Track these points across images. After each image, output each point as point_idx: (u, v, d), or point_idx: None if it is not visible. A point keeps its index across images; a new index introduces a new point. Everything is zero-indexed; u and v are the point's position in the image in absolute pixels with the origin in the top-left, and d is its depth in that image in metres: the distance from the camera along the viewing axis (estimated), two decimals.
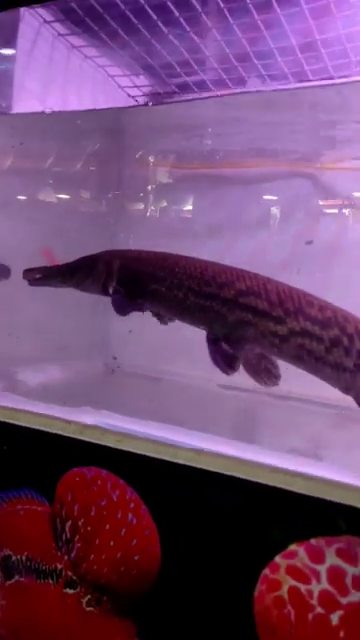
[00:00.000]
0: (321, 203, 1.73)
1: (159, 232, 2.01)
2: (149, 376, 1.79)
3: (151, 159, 2.08)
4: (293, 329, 1.16)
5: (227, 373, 1.32)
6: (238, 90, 1.47)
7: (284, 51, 1.26)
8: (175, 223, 2.06)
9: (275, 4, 1.14)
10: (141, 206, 2.12)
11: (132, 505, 1.01)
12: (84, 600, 1.05)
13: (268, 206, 1.86)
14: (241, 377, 1.38)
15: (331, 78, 1.39)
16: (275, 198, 1.86)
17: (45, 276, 1.43)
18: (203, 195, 1.95)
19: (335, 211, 1.76)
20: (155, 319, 1.62)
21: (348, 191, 1.67)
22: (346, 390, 1.16)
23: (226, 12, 1.18)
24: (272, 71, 1.38)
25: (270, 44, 1.28)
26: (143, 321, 1.76)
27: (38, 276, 1.44)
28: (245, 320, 1.24)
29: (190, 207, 2.04)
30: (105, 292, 1.43)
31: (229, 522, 0.95)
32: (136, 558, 1.00)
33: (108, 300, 1.93)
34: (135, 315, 1.69)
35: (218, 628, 0.94)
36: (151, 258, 1.38)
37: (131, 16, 1.33)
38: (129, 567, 1.00)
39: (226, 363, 1.31)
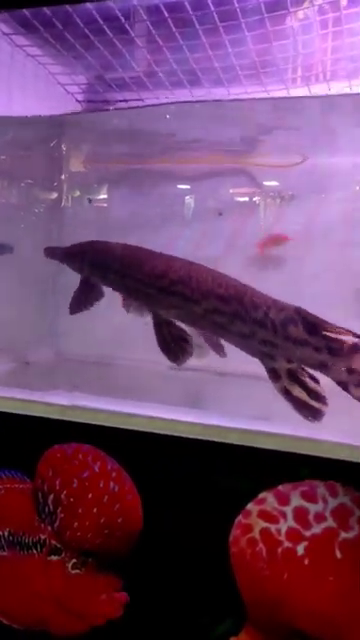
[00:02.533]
0: (254, 198, 1.89)
1: (76, 224, 2.08)
2: (100, 362, 1.87)
3: (64, 147, 2.13)
4: (207, 308, 1.33)
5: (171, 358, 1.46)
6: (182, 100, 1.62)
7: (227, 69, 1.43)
8: (91, 215, 2.13)
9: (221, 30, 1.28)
10: (54, 196, 2.17)
11: (114, 474, 1.11)
12: (69, 564, 1.14)
13: (200, 200, 1.99)
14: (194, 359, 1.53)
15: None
16: (206, 193, 1.99)
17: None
18: (127, 188, 2.05)
19: (265, 203, 1.92)
20: (103, 308, 1.75)
21: (276, 185, 1.84)
22: (253, 355, 1.31)
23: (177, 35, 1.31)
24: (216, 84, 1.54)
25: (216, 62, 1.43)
26: (92, 312, 1.86)
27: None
28: (176, 304, 1.41)
29: (116, 200, 2.11)
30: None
31: (204, 480, 1.07)
32: (119, 520, 1.10)
33: (57, 290, 2.00)
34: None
35: (198, 573, 1.07)
36: (113, 250, 1.51)
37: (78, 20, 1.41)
38: (113, 529, 1.11)
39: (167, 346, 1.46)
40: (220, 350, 1.52)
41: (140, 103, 1.81)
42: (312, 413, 1.16)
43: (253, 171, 1.85)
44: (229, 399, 1.56)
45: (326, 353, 1.18)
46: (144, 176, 2.03)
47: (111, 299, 1.84)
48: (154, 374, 1.84)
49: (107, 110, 1.82)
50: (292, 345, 1.22)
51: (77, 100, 1.90)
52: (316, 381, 1.22)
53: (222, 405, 1.54)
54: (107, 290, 1.80)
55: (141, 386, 1.70)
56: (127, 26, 1.32)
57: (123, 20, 1.34)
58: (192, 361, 1.57)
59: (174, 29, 1.27)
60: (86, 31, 1.35)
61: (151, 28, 1.31)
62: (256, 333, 1.26)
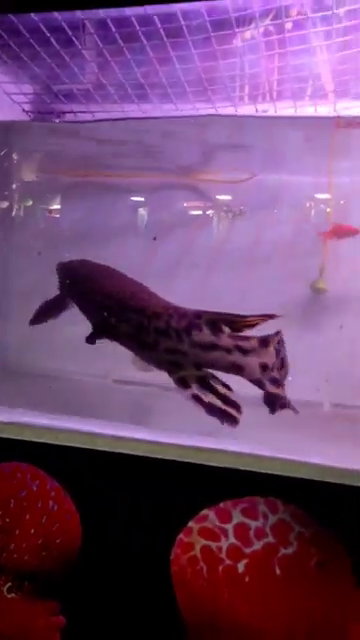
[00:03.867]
0: (200, 211, 1.91)
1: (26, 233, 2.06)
2: (48, 375, 1.83)
3: (15, 157, 2.11)
4: (120, 319, 1.34)
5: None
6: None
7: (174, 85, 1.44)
8: (41, 224, 2.12)
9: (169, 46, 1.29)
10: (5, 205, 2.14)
11: (53, 493, 1.08)
12: (4, 588, 1.09)
13: (151, 213, 2.00)
14: (134, 372, 1.52)
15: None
16: (155, 206, 2.01)
17: None
18: (76, 200, 2.04)
19: (212, 218, 1.95)
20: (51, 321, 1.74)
21: (224, 200, 1.86)
22: (159, 367, 1.29)
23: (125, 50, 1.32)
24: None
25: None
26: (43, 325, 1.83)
27: None
28: (101, 317, 1.42)
29: (68, 211, 2.10)
30: None
31: (145, 498, 1.06)
32: (58, 541, 1.07)
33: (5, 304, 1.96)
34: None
35: (138, 593, 1.04)
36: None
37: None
38: (51, 550, 1.07)
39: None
40: None
41: (89, 116, 1.80)
42: (227, 419, 1.14)
43: (203, 186, 1.87)
44: (173, 413, 1.56)
45: (238, 353, 1.15)
46: (96, 188, 2.02)
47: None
48: (100, 388, 1.82)
49: (53, 122, 1.81)
50: (200, 351, 1.18)
51: (24, 110, 1.88)
52: (228, 388, 1.20)
53: (166, 420, 1.54)
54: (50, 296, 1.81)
55: (87, 400, 1.68)
56: (74, 38, 1.31)
57: (70, 32, 1.33)
58: (137, 374, 1.57)
59: (122, 43, 1.27)
60: (31, 41, 1.33)
61: (98, 41, 1.31)
62: (159, 343, 1.23)
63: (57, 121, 1.78)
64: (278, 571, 0.95)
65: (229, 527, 0.98)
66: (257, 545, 0.96)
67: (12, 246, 2.05)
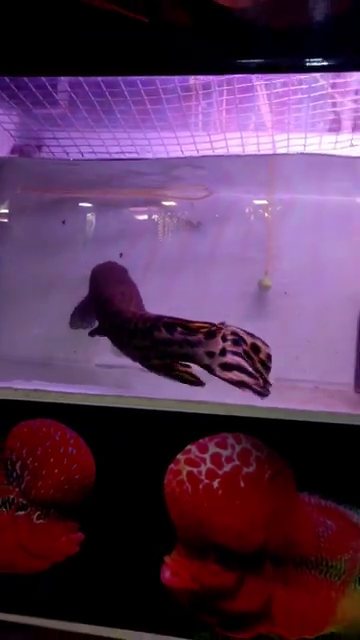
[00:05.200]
0: (166, 225, 2.28)
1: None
2: (32, 362, 2.14)
3: None
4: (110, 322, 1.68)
5: None
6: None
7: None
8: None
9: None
10: None
11: (72, 441, 1.41)
12: (34, 516, 1.42)
13: (116, 226, 2.34)
14: (113, 357, 1.85)
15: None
16: (120, 219, 2.34)
17: None
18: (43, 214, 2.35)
19: (176, 231, 2.31)
20: (39, 313, 2.03)
21: (188, 216, 2.24)
22: (133, 359, 1.58)
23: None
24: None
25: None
26: (30, 316, 2.14)
27: None
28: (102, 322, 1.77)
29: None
30: None
31: (141, 441, 1.41)
32: (76, 477, 1.41)
33: None
34: (25, 310, 2.07)
35: (140, 512, 1.39)
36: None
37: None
38: (72, 484, 1.41)
39: None
40: None
41: (69, 141, 2.11)
42: (194, 382, 1.42)
43: (166, 201, 2.23)
44: (150, 386, 1.91)
45: (187, 346, 1.37)
46: (62, 203, 2.34)
47: (40, 302, 2.13)
48: (85, 371, 2.14)
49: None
50: (161, 346, 1.43)
51: (12, 136, 2.17)
52: (187, 366, 1.45)
53: (145, 391, 1.89)
54: (38, 294, 2.11)
55: (76, 380, 2.00)
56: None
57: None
58: (116, 360, 1.88)
59: (110, 98, 1.63)
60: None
61: (92, 97, 1.66)
62: (131, 341, 1.53)
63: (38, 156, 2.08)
64: (242, 484, 1.33)
65: (206, 456, 1.35)
66: (227, 467, 1.34)
67: None
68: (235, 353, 1.34)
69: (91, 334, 1.82)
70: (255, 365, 1.34)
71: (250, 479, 1.33)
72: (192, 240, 2.20)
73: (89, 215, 2.30)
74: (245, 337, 1.36)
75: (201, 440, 1.36)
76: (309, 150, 2.00)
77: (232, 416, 1.34)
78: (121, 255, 2.16)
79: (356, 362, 1.77)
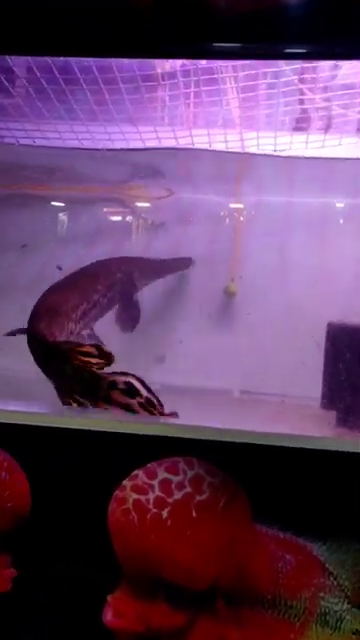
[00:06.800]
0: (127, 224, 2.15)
1: None
2: None
3: None
4: None
5: None
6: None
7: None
8: None
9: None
10: None
11: (5, 464, 1.26)
12: None
13: (78, 224, 2.20)
14: None
15: None
16: (83, 218, 2.21)
17: None
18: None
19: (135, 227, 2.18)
20: None
21: (152, 216, 2.11)
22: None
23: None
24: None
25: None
26: None
27: None
28: None
29: None
30: None
31: (83, 465, 1.27)
32: (9, 505, 1.25)
33: None
34: None
35: (80, 544, 1.25)
36: None
37: None
38: (3, 513, 1.25)
39: None
40: None
41: (22, 133, 1.97)
42: None
43: (128, 202, 2.10)
44: None
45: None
46: (24, 199, 2.19)
47: None
48: (24, 383, 1.99)
49: None
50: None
51: None
52: None
53: None
54: None
55: (19, 391, 1.85)
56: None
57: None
58: None
59: (63, 85, 1.49)
60: None
61: (43, 83, 1.51)
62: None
63: None
64: (194, 514, 1.20)
65: (155, 482, 1.21)
66: (177, 495, 1.20)
67: None
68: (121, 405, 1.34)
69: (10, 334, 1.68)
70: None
71: (203, 508, 1.20)
72: (153, 243, 2.08)
73: (41, 212, 2.15)
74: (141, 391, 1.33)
75: (150, 465, 1.22)
76: (279, 150, 1.89)
77: (184, 438, 1.21)
78: (60, 269, 1.98)
79: (323, 376, 1.66)
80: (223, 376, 1.94)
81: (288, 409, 1.83)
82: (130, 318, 1.89)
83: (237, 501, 1.20)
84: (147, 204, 2.09)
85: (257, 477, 1.19)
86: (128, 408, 1.31)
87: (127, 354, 1.95)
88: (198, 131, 1.79)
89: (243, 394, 1.97)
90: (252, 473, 1.19)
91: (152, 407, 1.32)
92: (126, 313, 1.88)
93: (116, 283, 1.89)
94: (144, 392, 1.33)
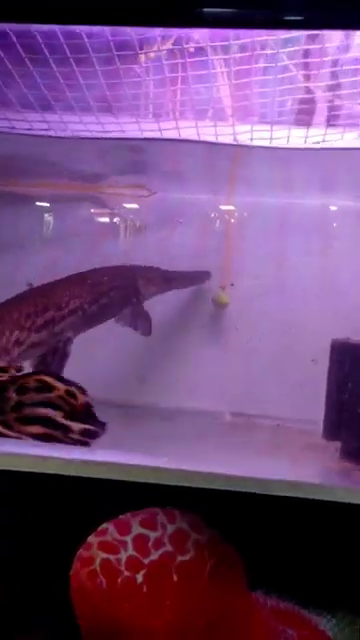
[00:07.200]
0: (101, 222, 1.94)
1: None
2: None
3: None
4: None
5: None
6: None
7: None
8: None
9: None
10: None
11: None
12: None
13: (51, 223, 1.99)
14: None
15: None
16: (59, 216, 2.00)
17: None
18: None
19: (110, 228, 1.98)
20: None
21: (126, 212, 1.90)
22: None
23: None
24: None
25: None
26: None
27: None
28: None
29: None
30: None
31: (44, 518, 1.05)
32: None
33: None
34: None
35: (38, 611, 1.03)
36: None
37: None
38: None
39: None
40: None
41: None
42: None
43: (105, 201, 1.90)
44: None
45: None
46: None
47: None
48: None
49: None
50: None
51: None
52: None
53: None
54: None
55: None
56: None
57: None
58: None
59: (23, 55, 1.27)
60: None
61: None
62: None
63: None
64: (175, 578, 0.99)
65: (128, 539, 1.00)
66: (155, 555, 0.99)
67: None
68: (37, 404, 1.17)
69: None
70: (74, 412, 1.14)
71: (186, 571, 0.99)
72: (133, 248, 1.87)
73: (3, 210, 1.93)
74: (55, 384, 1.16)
75: (122, 517, 1.01)
76: (275, 144, 1.69)
77: (164, 485, 1.00)
78: (30, 285, 1.79)
79: (326, 402, 1.45)
80: (212, 396, 1.74)
81: (285, 435, 1.63)
82: (139, 327, 1.74)
83: (228, 564, 0.99)
84: (126, 204, 1.88)
85: (253, 534, 0.97)
86: (48, 404, 1.13)
87: (105, 373, 1.76)
88: (184, 123, 1.58)
89: (235, 417, 1.76)
90: (247, 529, 0.98)
91: (73, 398, 1.15)
92: (134, 323, 1.74)
93: (114, 290, 1.74)
94: (61, 385, 1.17)
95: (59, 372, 1.56)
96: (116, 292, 1.76)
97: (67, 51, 1.30)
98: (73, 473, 0.96)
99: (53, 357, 1.62)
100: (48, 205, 1.98)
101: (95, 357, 1.73)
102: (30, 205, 1.98)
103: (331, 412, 1.45)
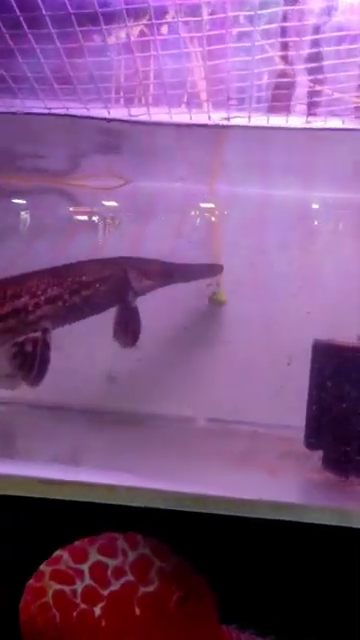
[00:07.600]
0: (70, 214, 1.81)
1: None
2: None
3: None
4: None
5: None
6: None
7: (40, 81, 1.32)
8: None
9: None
10: None
11: None
12: None
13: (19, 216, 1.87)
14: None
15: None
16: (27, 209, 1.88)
17: None
18: None
19: (84, 221, 1.85)
20: None
21: (94, 205, 1.78)
22: None
23: None
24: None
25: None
26: None
27: None
28: None
29: None
30: None
31: None
32: None
33: None
34: None
35: None
36: None
37: None
38: None
39: None
40: (34, 381, 1.43)
41: None
42: None
43: (72, 192, 1.77)
44: (37, 434, 1.45)
45: None
46: None
47: None
48: None
49: None
50: None
51: None
52: None
53: (29, 442, 1.43)
54: None
55: None
56: None
57: None
58: (3, 393, 1.49)
59: None
60: None
61: None
62: None
63: None
64: (138, 611, 0.88)
65: (85, 567, 0.89)
66: (115, 585, 0.88)
67: None
68: None
69: None
70: None
71: (150, 603, 0.88)
72: (106, 242, 1.75)
73: None
74: None
75: (77, 543, 0.90)
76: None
77: (124, 506, 0.89)
78: None
79: (307, 407, 1.35)
80: (185, 401, 1.63)
81: (262, 442, 1.52)
82: (126, 328, 1.57)
83: (197, 595, 0.88)
84: (97, 195, 1.76)
85: (227, 561, 0.87)
86: None
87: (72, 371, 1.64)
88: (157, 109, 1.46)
89: (210, 422, 1.66)
90: (219, 555, 0.87)
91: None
92: (117, 328, 1.57)
93: (100, 282, 1.57)
94: None
95: (44, 364, 1.45)
96: (102, 284, 1.60)
97: (24, 24, 1.18)
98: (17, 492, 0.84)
99: (34, 348, 1.49)
100: (24, 202, 1.86)
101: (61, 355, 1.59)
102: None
103: (312, 419, 1.35)
